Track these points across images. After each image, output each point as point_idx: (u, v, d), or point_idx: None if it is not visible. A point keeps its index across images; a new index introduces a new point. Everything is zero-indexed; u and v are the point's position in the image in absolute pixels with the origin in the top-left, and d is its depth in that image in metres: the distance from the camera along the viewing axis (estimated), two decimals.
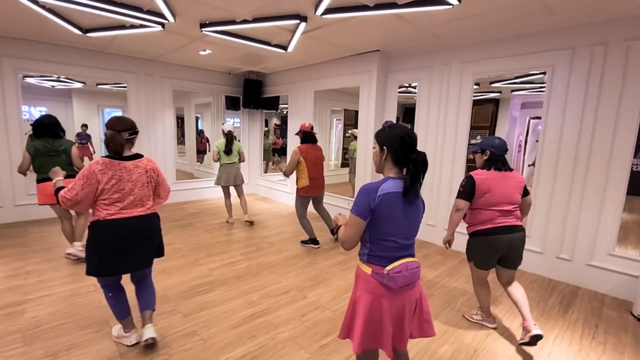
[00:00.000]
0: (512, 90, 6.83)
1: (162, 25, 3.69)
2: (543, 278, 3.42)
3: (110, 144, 1.97)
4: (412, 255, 1.42)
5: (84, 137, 9.45)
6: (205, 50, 4.89)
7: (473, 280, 2.51)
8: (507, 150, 2.26)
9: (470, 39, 3.74)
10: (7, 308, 2.52)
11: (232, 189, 5.01)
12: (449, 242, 2.39)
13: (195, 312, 2.58)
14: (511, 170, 2.27)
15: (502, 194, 2.19)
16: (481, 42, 3.74)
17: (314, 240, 4.05)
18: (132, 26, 3.83)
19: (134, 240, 2.01)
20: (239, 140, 6.01)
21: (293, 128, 6.20)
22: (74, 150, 3.40)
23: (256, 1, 3.04)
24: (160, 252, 2.22)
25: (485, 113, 7.86)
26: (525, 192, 2.30)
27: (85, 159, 9.19)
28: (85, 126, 9.64)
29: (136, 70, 5.51)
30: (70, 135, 9.11)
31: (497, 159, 2.24)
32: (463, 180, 2.27)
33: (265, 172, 8.10)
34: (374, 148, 1.44)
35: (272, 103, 6.84)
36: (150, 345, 2.13)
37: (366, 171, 4.87)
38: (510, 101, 7.59)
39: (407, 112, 7.16)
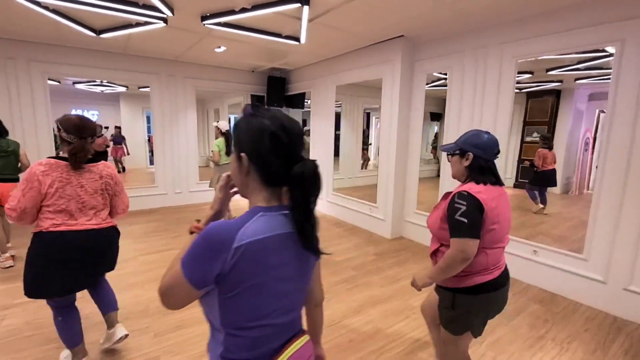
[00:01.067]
0: (576, 79, 5.77)
1: (164, 20, 3.53)
2: (605, 315, 2.66)
3: (79, 154, 1.72)
4: (302, 332, 0.88)
5: (118, 139, 9.91)
6: (219, 47, 4.71)
7: (449, 357, 1.61)
8: (498, 152, 1.50)
9: (509, 14, 3.06)
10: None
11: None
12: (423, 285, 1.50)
13: (168, 332, 2.32)
14: (502, 184, 1.51)
15: (507, 221, 1.47)
16: (523, 16, 3.04)
17: None
18: (138, 24, 3.74)
19: (82, 258, 1.76)
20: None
21: (315, 127, 5.83)
22: (22, 152, 3.34)
23: None
24: (111, 267, 1.98)
25: (544, 107, 6.79)
26: None
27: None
28: (118, 128, 10.09)
29: (158, 71, 5.52)
30: (130, 135, 9.71)
31: (485, 166, 1.45)
32: (457, 202, 1.35)
33: None
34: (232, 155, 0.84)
35: (297, 100, 6.54)
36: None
37: (389, 176, 4.33)
38: (575, 92, 6.45)
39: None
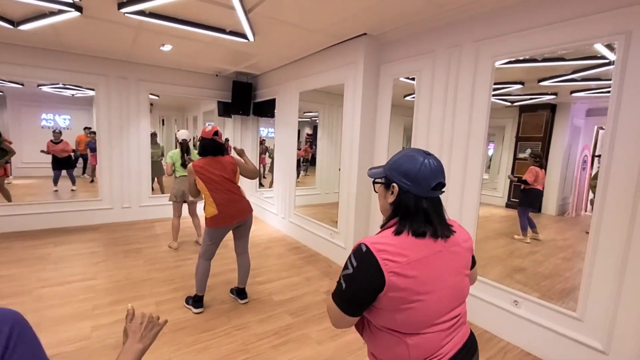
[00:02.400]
0: (572, 92, 5.24)
1: (77, 8, 2.96)
2: None
3: None
4: None
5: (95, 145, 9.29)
6: (164, 45, 4.14)
7: None
8: (441, 186, 0.93)
9: (485, 6, 2.48)
10: None
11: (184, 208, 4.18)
12: None
13: None
14: (450, 230, 0.95)
15: (449, 289, 0.91)
16: (502, 8, 2.45)
17: (197, 301, 2.72)
18: (52, 13, 3.17)
19: None
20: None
21: (280, 136, 5.23)
22: None
23: None
24: None
25: (538, 121, 6.25)
26: (474, 260, 1.08)
27: None
28: (93, 133, 9.29)
29: (106, 72, 4.95)
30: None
31: (413, 207, 0.91)
32: (350, 257, 0.89)
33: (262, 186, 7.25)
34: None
35: (268, 108, 5.94)
36: None
37: (350, 196, 3.69)
38: (571, 106, 5.91)
39: None
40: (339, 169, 3.92)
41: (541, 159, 4.94)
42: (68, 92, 9.30)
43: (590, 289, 2.06)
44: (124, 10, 2.89)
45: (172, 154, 4.01)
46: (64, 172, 7.25)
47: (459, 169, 2.79)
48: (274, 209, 5.40)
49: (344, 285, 0.89)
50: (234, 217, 2.64)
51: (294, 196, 4.85)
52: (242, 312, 2.74)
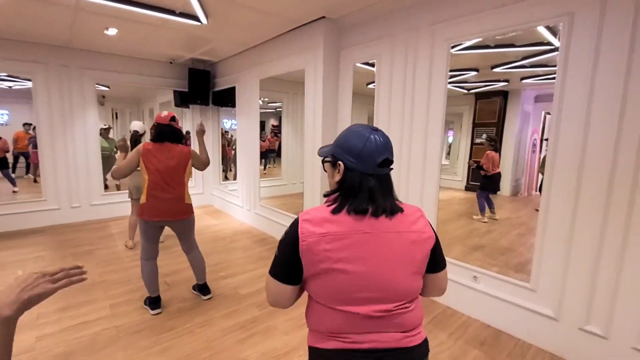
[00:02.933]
0: (522, 79, 5.54)
1: None
2: (558, 359, 2.12)
3: None
4: None
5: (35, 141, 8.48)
6: (108, 29, 3.80)
7: None
8: (387, 163, 0.89)
9: None
10: None
11: None
12: None
13: None
14: (401, 211, 0.91)
15: (368, 274, 0.85)
16: None
17: (152, 302, 2.56)
18: None
19: None
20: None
21: (242, 126, 5.06)
22: None
23: None
24: None
25: (492, 108, 6.58)
26: (437, 262, 0.96)
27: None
28: (29, 124, 8.39)
29: (46, 60, 4.48)
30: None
31: (357, 184, 0.87)
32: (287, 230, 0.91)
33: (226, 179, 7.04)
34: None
35: (228, 98, 5.70)
36: None
37: (314, 187, 3.65)
38: (522, 93, 6.27)
39: None
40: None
41: (496, 143, 5.17)
42: (4, 85, 8.42)
43: (542, 261, 2.18)
44: None
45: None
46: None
47: (419, 154, 2.83)
48: (238, 202, 5.24)
49: (276, 252, 0.91)
50: (162, 214, 2.41)
51: (258, 187, 4.73)
52: (205, 308, 2.63)
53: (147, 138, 3.66)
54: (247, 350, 2.14)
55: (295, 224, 0.88)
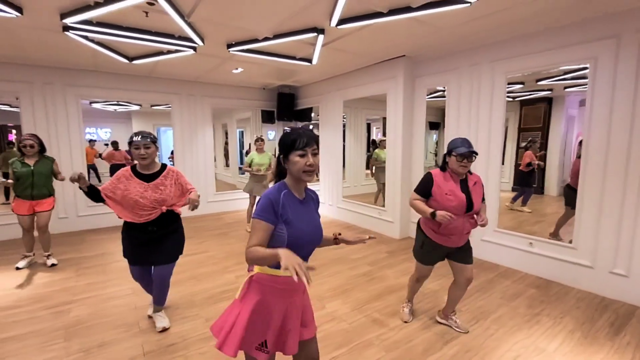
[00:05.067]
0: (565, 87, 6.22)
1: (194, 48, 3.99)
2: (594, 296, 3.02)
3: None
4: None
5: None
6: (237, 69, 5.18)
7: None
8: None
9: (498, 36, 3.52)
10: (57, 307, 2.84)
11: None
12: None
13: (216, 317, 2.68)
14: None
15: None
16: (511, 38, 3.50)
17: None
18: (169, 52, 4.20)
19: None
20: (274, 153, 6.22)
21: (325, 138, 6.27)
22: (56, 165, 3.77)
23: (272, 20, 3.18)
24: None
25: (537, 113, 7.19)
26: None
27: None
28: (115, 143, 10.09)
29: (179, 91, 5.99)
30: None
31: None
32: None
33: None
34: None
35: (305, 114, 7.00)
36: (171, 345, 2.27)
37: (395, 181, 4.73)
38: (566, 99, 6.89)
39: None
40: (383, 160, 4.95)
41: (529, 143, 5.90)
42: (112, 108, 10.36)
43: (581, 226, 3.12)
44: (231, 49, 3.94)
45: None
46: None
47: (482, 157, 3.83)
48: (321, 199, 6.43)
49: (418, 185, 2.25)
50: None
51: (341, 187, 5.90)
52: (333, 265, 3.78)
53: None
54: (374, 285, 3.25)
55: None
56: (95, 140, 10.39)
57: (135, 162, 2.28)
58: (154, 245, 2.31)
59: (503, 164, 7.06)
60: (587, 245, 3.09)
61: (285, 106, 6.82)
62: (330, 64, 4.97)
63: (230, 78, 5.94)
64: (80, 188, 2.11)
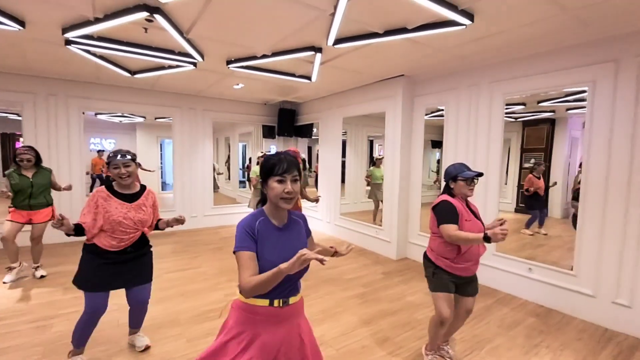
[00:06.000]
0: (568, 109, 6.19)
1: (194, 64, 4.04)
2: (596, 327, 2.88)
3: None
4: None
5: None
6: (238, 85, 5.23)
7: None
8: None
9: (496, 58, 3.51)
10: (39, 321, 2.77)
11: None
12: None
13: (199, 338, 2.59)
14: None
15: None
16: (509, 60, 3.49)
17: None
18: (170, 67, 4.26)
19: None
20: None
21: (324, 154, 6.25)
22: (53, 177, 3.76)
23: (271, 38, 3.20)
24: None
25: (540, 134, 7.14)
26: None
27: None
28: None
29: (180, 105, 6.05)
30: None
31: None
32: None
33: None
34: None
35: (306, 130, 7.01)
36: None
37: (393, 201, 4.66)
38: (569, 120, 6.85)
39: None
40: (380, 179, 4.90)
41: (534, 166, 5.83)
42: (117, 119, 10.50)
43: (582, 252, 3.01)
44: (230, 65, 3.98)
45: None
46: None
47: (480, 181, 3.75)
48: (318, 215, 6.36)
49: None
50: None
51: (339, 204, 5.83)
52: (323, 285, 3.67)
53: None
54: (366, 309, 3.14)
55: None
56: (103, 151, 10.48)
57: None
58: (132, 265, 2.21)
59: (506, 184, 7.03)
60: (588, 272, 2.97)
61: (286, 122, 6.84)
62: (330, 82, 5.00)
63: (232, 93, 5.99)
64: (67, 234, 2.01)
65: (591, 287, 2.95)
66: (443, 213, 2.09)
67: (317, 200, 3.81)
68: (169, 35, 3.11)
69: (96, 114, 9.33)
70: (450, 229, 2.02)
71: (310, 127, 7.00)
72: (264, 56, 3.69)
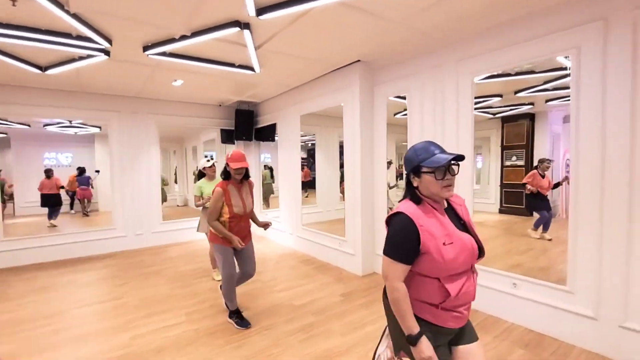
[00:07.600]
0: (547, 101, 5.74)
1: (106, 52, 3.35)
2: (601, 358, 2.24)
3: None
4: None
5: (83, 180, 9.34)
6: (176, 81, 4.55)
7: None
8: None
9: (461, 31, 2.93)
10: None
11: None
12: None
13: None
14: None
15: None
16: (476, 32, 2.91)
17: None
18: (82, 58, 3.56)
19: None
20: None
21: (283, 157, 5.58)
22: None
23: (179, 12, 2.56)
24: None
25: (519, 130, 6.70)
26: None
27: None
28: (81, 169, 9.44)
29: (119, 109, 5.31)
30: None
31: None
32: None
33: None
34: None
35: (267, 133, 6.32)
36: None
37: (355, 206, 4.00)
38: (549, 115, 6.42)
39: None
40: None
41: (541, 164, 5.30)
42: (71, 131, 9.63)
43: (577, 262, 2.37)
44: (148, 52, 3.30)
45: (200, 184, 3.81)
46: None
47: None
48: (280, 227, 5.65)
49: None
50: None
51: (300, 213, 5.14)
52: (266, 315, 2.96)
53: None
54: (309, 348, 2.44)
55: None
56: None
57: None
58: None
59: (488, 183, 6.51)
60: (586, 288, 2.34)
61: (244, 124, 6.16)
62: (283, 74, 4.36)
63: (178, 93, 5.30)
64: None
65: (591, 307, 2.31)
66: (390, 236, 1.29)
67: (266, 226, 2.96)
68: (46, 10, 2.43)
69: (44, 125, 8.53)
70: (392, 270, 1.26)
71: (272, 129, 6.33)
72: (184, 37, 3.03)
